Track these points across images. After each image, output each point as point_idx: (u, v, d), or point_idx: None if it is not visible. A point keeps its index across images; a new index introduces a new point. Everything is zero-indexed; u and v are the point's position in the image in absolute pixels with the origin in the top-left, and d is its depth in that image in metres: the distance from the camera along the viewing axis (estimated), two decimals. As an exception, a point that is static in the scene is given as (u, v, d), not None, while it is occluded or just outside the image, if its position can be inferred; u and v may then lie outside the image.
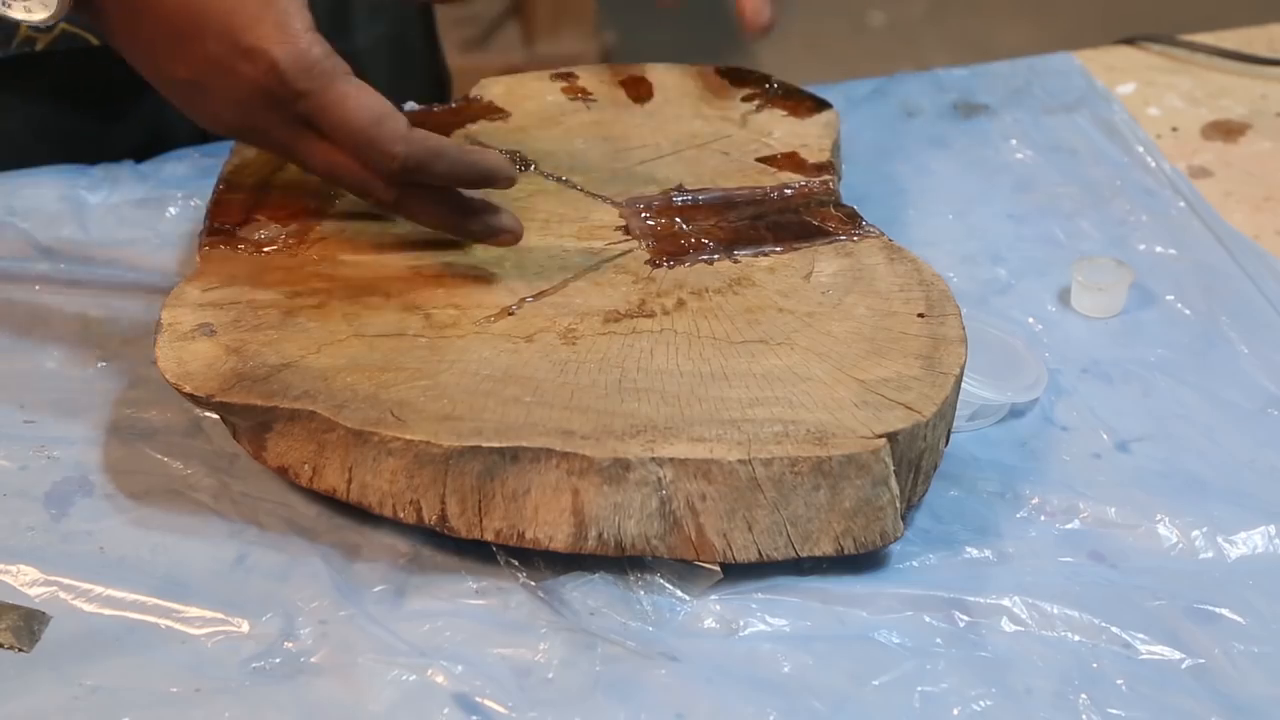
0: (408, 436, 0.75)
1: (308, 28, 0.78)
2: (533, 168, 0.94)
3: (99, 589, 0.76)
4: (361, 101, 0.78)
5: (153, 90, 0.85)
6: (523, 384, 0.78)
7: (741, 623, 0.75)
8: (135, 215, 0.99)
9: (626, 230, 0.89)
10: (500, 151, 0.94)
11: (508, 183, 0.83)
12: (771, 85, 1.02)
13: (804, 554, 0.76)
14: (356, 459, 0.76)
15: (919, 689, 0.73)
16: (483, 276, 0.85)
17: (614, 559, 0.77)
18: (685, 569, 0.77)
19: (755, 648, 0.74)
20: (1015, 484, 0.83)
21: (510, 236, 0.84)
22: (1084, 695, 0.73)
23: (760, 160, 0.95)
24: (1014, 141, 1.09)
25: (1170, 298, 0.95)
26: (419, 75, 1.21)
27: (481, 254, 0.87)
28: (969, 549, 0.79)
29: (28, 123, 1.03)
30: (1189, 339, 0.93)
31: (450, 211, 0.84)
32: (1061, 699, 0.73)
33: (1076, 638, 0.75)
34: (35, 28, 0.80)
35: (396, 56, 1.15)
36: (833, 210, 0.91)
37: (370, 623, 0.75)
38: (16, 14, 0.79)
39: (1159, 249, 0.99)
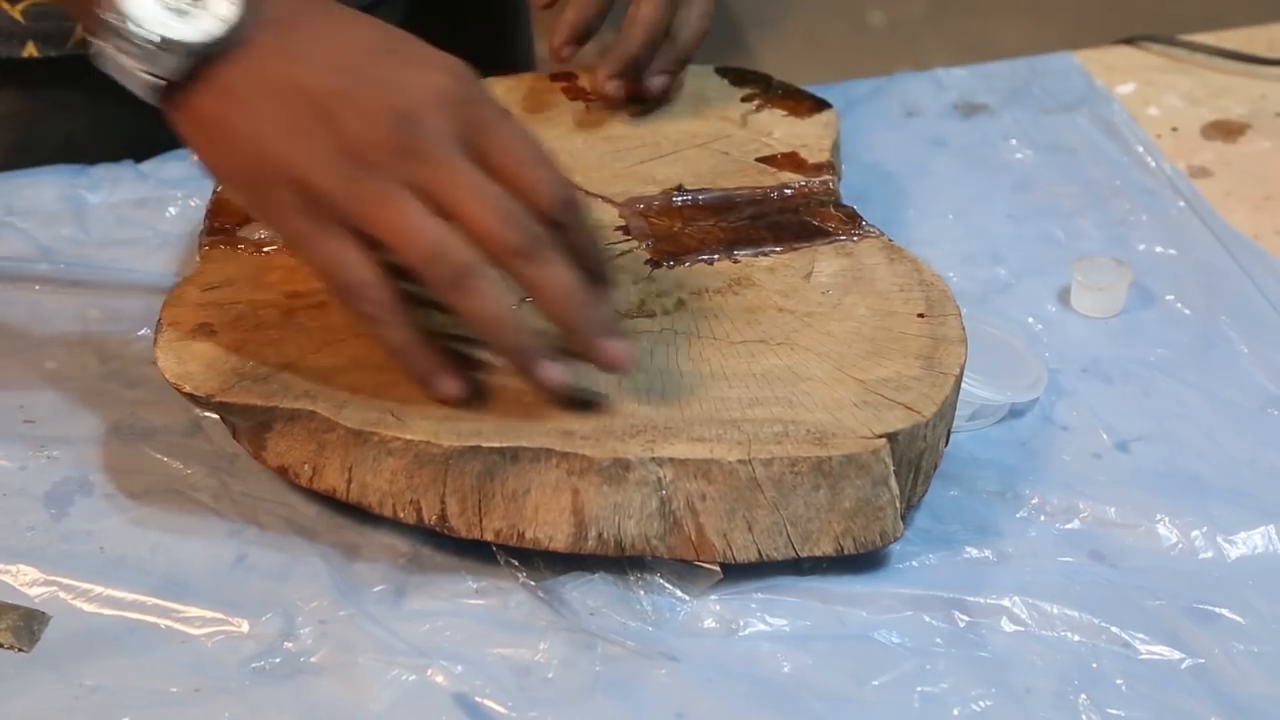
0: (408, 436, 0.75)
1: None
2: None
3: (99, 589, 0.76)
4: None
5: None
6: (523, 383, 0.78)
7: (741, 623, 0.75)
8: (135, 215, 0.99)
9: (626, 230, 0.89)
10: None
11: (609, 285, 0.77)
12: (771, 85, 1.02)
13: (804, 554, 0.76)
14: (356, 459, 0.76)
15: (919, 689, 0.73)
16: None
17: (614, 559, 0.77)
18: (685, 569, 0.77)
19: (755, 648, 0.74)
20: (1015, 484, 0.83)
21: (622, 354, 0.75)
22: (1084, 695, 0.73)
23: (760, 160, 0.95)
24: (1014, 141, 1.09)
25: (1170, 297, 0.95)
26: (508, 50, 1.20)
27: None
28: (969, 549, 0.79)
29: (87, 121, 1.04)
30: (1189, 339, 0.93)
31: (573, 292, 0.74)
32: (1061, 699, 0.73)
33: (1076, 638, 0.75)
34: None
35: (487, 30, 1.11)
36: (833, 210, 0.91)
37: (370, 623, 0.75)
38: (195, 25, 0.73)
39: (1159, 249, 0.99)
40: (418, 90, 0.73)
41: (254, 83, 0.73)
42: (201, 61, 0.73)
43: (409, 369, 0.76)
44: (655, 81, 0.97)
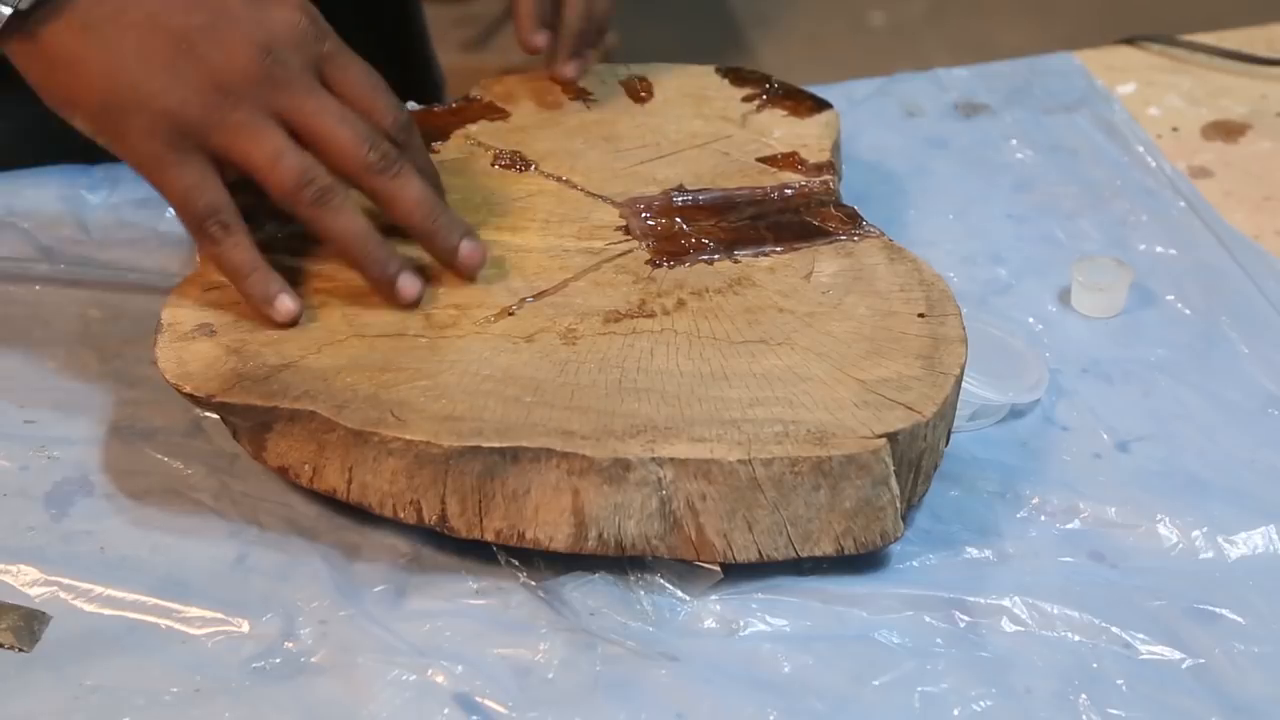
0: (408, 436, 0.75)
1: None
2: (533, 168, 0.94)
3: (99, 589, 0.76)
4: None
5: None
6: (523, 384, 0.78)
7: (741, 623, 0.75)
8: (135, 215, 0.99)
9: (627, 230, 0.89)
10: (499, 151, 0.94)
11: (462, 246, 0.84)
12: (771, 85, 1.02)
13: (804, 554, 0.76)
14: (357, 459, 0.76)
15: (919, 689, 0.73)
16: (483, 276, 0.85)
17: (614, 559, 0.77)
18: (685, 569, 0.77)
19: (755, 648, 0.74)
20: (1015, 484, 0.83)
21: (476, 255, 0.84)
22: (1084, 695, 0.73)
23: (760, 160, 0.95)
24: (1014, 141, 1.09)
25: (1170, 298, 0.95)
26: (414, 75, 1.21)
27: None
28: (969, 549, 0.79)
29: (20, 122, 1.04)
30: (1189, 339, 0.93)
31: (429, 200, 0.83)
32: (1061, 699, 0.73)
33: (1076, 638, 0.75)
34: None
35: (388, 56, 1.14)
36: (833, 210, 0.91)
37: (370, 623, 0.75)
38: None
39: (1159, 249, 0.99)
40: (276, 25, 0.80)
41: (113, 16, 0.78)
42: None
43: (250, 290, 0.81)
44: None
